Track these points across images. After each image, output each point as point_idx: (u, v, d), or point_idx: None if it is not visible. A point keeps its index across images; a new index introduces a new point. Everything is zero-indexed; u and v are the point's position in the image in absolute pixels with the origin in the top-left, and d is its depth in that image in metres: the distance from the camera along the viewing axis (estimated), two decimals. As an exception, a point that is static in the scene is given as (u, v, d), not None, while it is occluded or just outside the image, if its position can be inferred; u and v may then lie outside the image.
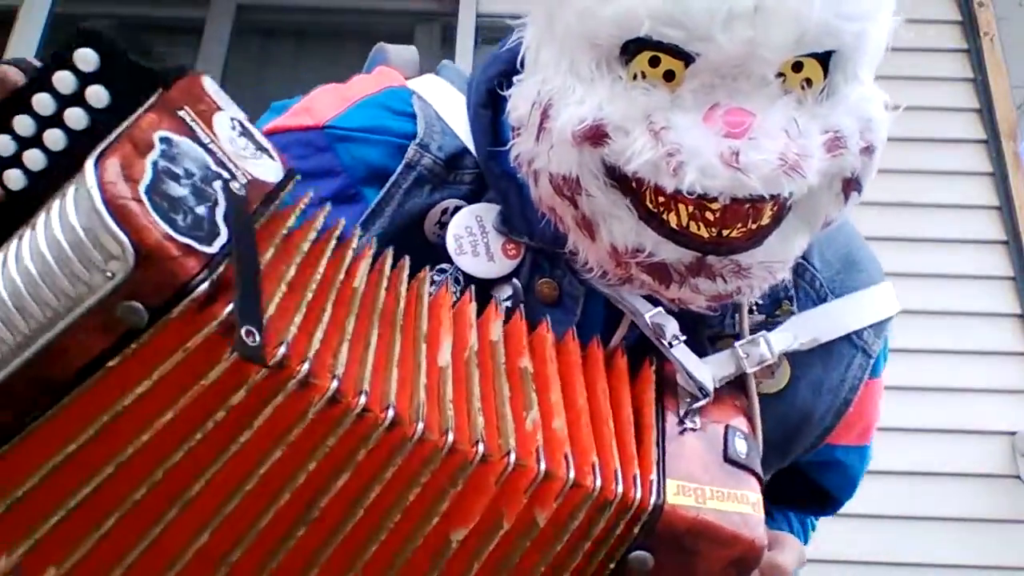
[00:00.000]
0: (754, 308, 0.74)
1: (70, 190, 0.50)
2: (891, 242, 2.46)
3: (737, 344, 0.71)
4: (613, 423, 0.63)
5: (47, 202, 0.55)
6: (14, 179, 0.57)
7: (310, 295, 0.56)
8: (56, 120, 0.56)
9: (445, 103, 0.75)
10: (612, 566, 0.59)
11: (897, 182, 2.53)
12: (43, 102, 0.56)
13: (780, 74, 0.59)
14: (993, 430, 2.29)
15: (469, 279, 0.70)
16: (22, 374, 0.51)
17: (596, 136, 0.59)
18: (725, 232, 0.59)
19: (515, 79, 0.67)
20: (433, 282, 0.69)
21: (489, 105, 0.71)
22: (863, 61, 0.62)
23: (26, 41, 2.65)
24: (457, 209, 0.72)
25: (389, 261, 0.66)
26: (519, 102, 0.65)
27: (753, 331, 0.72)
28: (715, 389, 0.68)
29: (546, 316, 0.69)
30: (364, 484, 0.54)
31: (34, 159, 0.56)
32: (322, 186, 0.71)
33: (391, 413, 0.53)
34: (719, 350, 0.72)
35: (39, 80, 0.56)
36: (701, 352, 0.71)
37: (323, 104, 0.76)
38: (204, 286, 0.49)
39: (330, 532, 0.55)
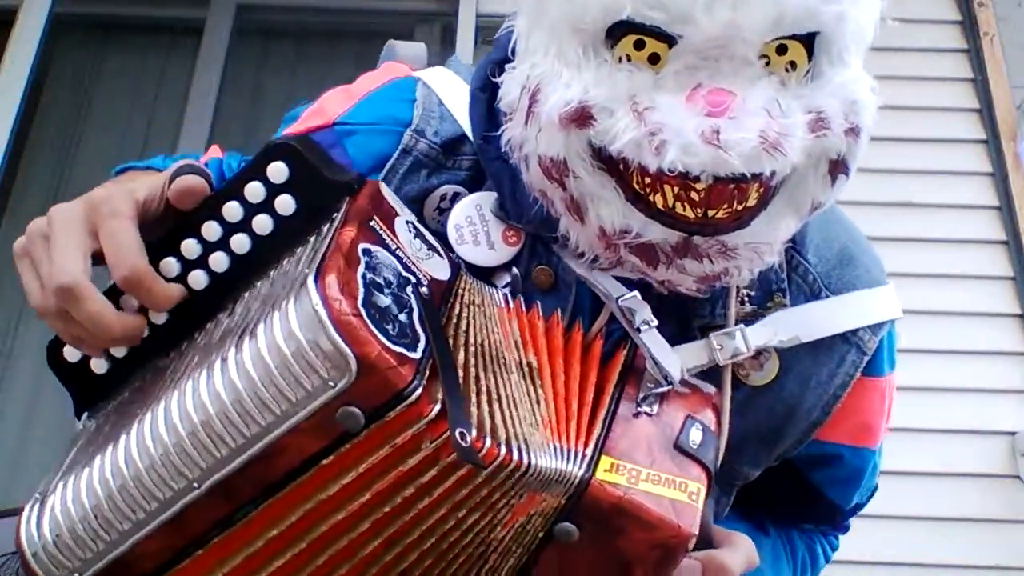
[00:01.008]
0: (746, 299, 0.73)
1: (288, 303, 0.54)
2: (891, 242, 2.46)
3: (712, 335, 0.71)
4: (577, 407, 0.64)
5: (232, 301, 0.61)
6: (197, 280, 0.62)
7: (484, 376, 0.60)
8: (243, 226, 0.61)
9: (449, 90, 0.76)
10: (540, 535, 0.60)
11: (897, 182, 2.53)
12: (232, 210, 0.61)
13: (764, 57, 0.59)
14: (993, 430, 2.29)
15: (469, 267, 0.70)
16: (242, 472, 0.55)
17: (582, 118, 0.60)
18: (711, 213, 0.60)
19: (507, 67, 0.68)
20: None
21: (487, 89, 0.72)
22: (847, 44, 0.62)
23: (26, 41, 2.66)
24: (456, 196, 0.72)
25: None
26: (510, 87, 0.66)
27: (744, 322, 0.72)
28: (687, 380, 0.68)
29: (538, 302, 0.69)
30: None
31: (218, 261, 0.62)
32: None
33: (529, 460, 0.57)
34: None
35: (231, 191, 0.61)
36: (688, 341, 0.71)
37: (332, 103, 0.78)
38: (418, 391, 0.53)
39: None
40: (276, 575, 0.57)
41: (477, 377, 0.59)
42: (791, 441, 0.78)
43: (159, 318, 0.63)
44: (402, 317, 0.56)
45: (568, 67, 0.61)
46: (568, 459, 0.59)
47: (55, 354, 0.66)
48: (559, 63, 0.62)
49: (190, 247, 0.61)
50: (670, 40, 0.58)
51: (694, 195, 0.59)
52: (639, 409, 0.65)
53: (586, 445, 0.61)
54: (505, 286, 0.71)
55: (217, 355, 0.56)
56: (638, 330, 0.68)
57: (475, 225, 0.71)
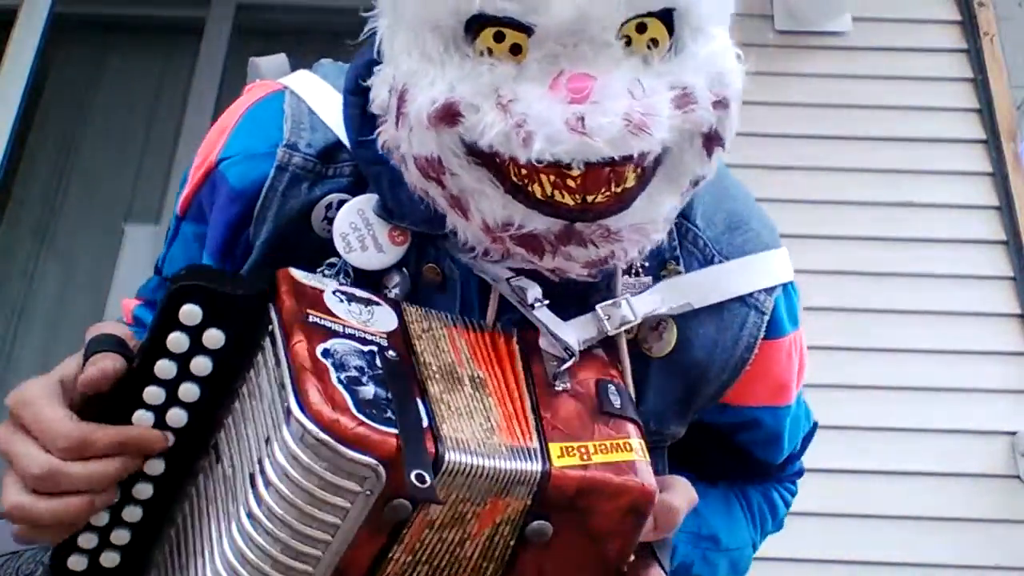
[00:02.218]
0: (640, 271, 0.74)
1: (284, 435, 0.55)
2: (891, 242, 2.46)
3: (598, 306, 0.71)
4: (513, 406, 0.65)
5: (212, 446, 0.62)
6: (173, 424, 0.62)
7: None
8: (184, 376, 0.61)
9: (318, 97, 0.76)
10: (512, 542, 0.61)
11: (897, 182, 2.53)
12: (165, 368, 0.61)
13: (625, 37, 0.60)
14: (993, 430, 2.29)
15: (359, 271, 0.71)
16: None
17: (449, 115, 0.60)
18: (589, 198, 0.60)
19: (375, 69, 0.68)
20: (325, 276, 0.70)
21: (359, 92, 0.71)
22: (707, 15, 0.62)
23: (26, 41, 2.66)
24: (341, 203, 0.72)
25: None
26: (379, 90, 0.66)
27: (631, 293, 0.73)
28: (583, 351, 0.69)
29: (433, 300, 0.71)
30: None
31: (177, 417, 0.62)
32: (226, 215, 0.74)
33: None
34: None
35: (154, 351, 0.60)
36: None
37: (209, 144, 0.78)
38: (448, 452, 0.56)
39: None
40: None
41: (443, 400, 0.61)
42: (703, 403, 0.80)
43: (154, 468, 0.63)
44: (390, 394, 0.58)
45: (432, 65, 0.61)
46: (521, 457, 0.60)
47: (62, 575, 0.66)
48: (423, 62, 0.61)
49: (140, 417, 0.61)
50: (527, 30, 0.58)
51: (571, 182, 0.59)
52: (556, 387, 0.67)
53: (531, 439, 0.62)
54: (395, 286, 0.71)
55: (238, 508, 0.57)
56: (532, 307, 0.69)
57: (360, 231, 0.71)
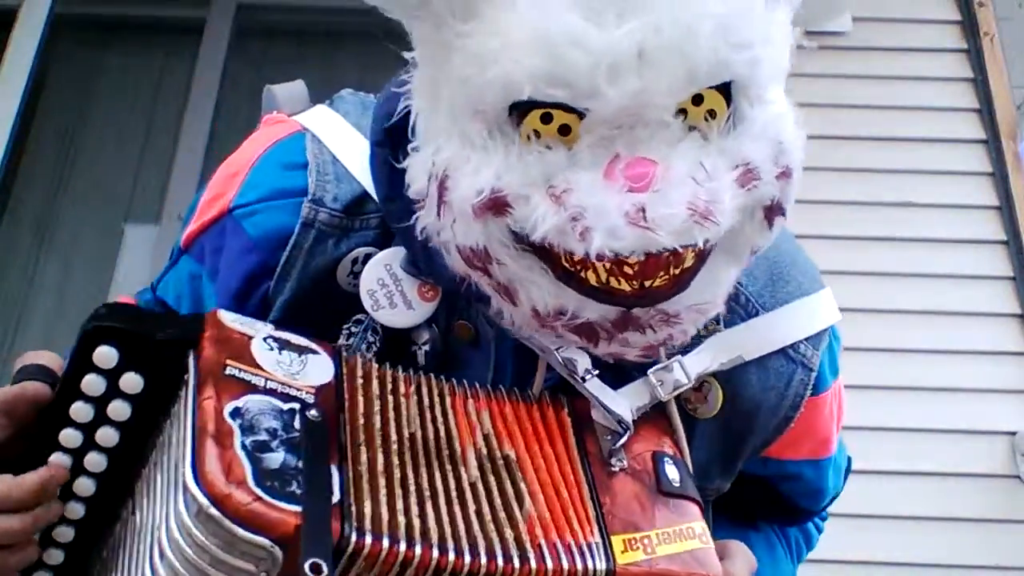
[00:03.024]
0: None
1: (178, 505, 0.50)
2: (891, 242, 2.46)
3: (650, 372, 0.68)
4: (567, 492, 0.61)
5: (126, 506, 0.59)
6: (84, 487, 0.60)
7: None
8: (102, 420, 0.58)
9: (341, 142, 0.72)
10: None
11: (897, 182, 2.53)
12: (81, 411, 0.58)
13: (682, 111, 0.56)
14: (993, 430, 2.29)
15: (387, 328, 0.68)
16: None
17: (497, 206, 0.56)
18: (647, 283, 0.56)
19: (409, 148, 0.64)
20: (351, 334, 0.68)
21: (386, 143, 0.68)
22: (765, 83, 0.59)
23: (26, 41, 2.66)
24: (367, 257, 0.69)
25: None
26: (416, 174, 0.62)
27: (680, 354, 0.69)
28: (634, 420, 0.66)
29: (464, 357, 0.68)
30: None
31: (96, 462, 0.60)
32: (243, 265, 0.71)
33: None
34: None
35: (68, 392, 0.58)
36: (627, 383, 0.68)
37: (222, 185, 0.74)
38: (355, 534, 0.51)
39: None
40: None
41: (403, 477, 0.56)
42: (748, 454, 0.78)
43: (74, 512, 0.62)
44: (301, 464, 0.52)
45: (475, 151, 0.57)
46: (583, 555, 0.56)
47: None
48: (464, 147, 0.57)
49: (57, 459, 0.60)
50: (579, 113, 0.54)
51: (628, 268, 0.55)
52: (611, 467, 0.63)
53: (591, 532, 0.58)
54: (425, 342, 0.68)
55: (142, 573, 0.53)
56: (583, 379, 0.65)
57: (388, 287, 0.68)
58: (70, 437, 0.59)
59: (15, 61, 2.63)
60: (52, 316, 2.66)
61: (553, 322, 0.60)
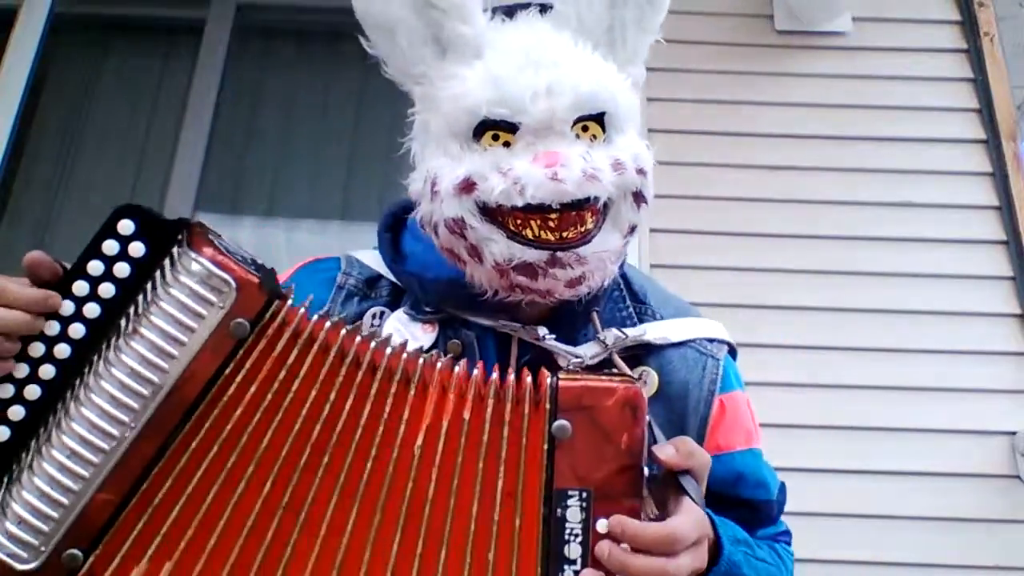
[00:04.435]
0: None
1: (168, 276, 0.76)
2: (891, 242, 2.47)
3: (599, 333, 0.98)
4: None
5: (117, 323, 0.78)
6: (76, 331, 0.79)
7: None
8: (107, 277, 0.78)
9: (360, 254, 1.08)
10: (546, 447, 0.79)
11: (897, 182, 2.53)
12: (95, 267, 0.78)
13: (576, 132, 0.88)
14: (993, 430, 2.30)
15: None
16: (165, 404, 0.75)
17: (468, 187, 0.87)
18: (565, 235, 0.86)
19: (411, 175, 0.95)
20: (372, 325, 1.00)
21: (391, 229, 1.05)
22: (625, 119, 0.91)
23: (26, 41, 2.66)
24: (382, 313, 1.02)
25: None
26: (415, 184, 0.94)
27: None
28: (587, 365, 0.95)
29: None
30: None
31: (91, 310, 0.79)
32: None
33: None
34: None
35: (90, 252, 0.78)
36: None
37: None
38: (278, 301, 0.79)
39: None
40: (220, 497, 0.76)
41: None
42: (695, 435, 0.98)
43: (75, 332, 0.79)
44: (248, 259, 0.80)
45: (452, 159, 0.89)
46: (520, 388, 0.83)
47: None
48: (446, 158, 0.89)
49: (67, 306, 0.78)
50: (514, 128, 0.87)
51: (551, 223, 0.86)
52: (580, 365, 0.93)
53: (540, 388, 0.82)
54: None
55: (127, 330, 0.76)
56: (543, 338, 0.94)
57: (401, 331, 0.98)
58: (80, 287, 0.78)
59: (15, 61, 2.63)
60: (52, 316, 2.65)
61: (506, 267, 0.88)
